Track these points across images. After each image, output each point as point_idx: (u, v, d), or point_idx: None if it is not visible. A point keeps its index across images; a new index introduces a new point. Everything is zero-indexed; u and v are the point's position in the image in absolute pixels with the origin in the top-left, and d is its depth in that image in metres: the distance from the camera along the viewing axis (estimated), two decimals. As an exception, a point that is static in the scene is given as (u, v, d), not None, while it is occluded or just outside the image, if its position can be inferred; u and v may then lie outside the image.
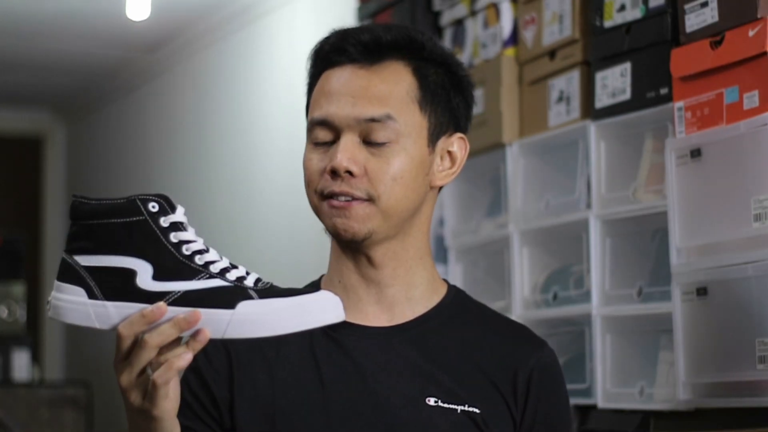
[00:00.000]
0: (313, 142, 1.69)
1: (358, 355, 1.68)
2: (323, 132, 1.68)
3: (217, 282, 1.48)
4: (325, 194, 1.66)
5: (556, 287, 2.79)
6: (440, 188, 1.76)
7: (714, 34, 2.29)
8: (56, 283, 1.51)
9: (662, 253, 2.46)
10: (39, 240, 7.47)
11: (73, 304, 1.49)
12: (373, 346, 1.69)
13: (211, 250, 1.51)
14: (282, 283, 1.90)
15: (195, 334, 1.45)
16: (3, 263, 5.79)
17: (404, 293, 1.72)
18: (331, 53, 1.71)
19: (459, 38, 3.14)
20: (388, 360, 1.68)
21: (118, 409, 6.79)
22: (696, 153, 2.32)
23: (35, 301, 7.23)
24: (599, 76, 2.63)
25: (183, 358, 1.45)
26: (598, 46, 2.64)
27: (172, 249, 1.48)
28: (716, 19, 2.29)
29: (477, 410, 1.66)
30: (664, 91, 2.45)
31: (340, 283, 1.73)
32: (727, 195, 2.25)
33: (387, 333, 1.70)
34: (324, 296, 1.51)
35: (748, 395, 2.21)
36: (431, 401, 1.66)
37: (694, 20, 2.34)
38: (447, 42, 3.17)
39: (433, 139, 1.71)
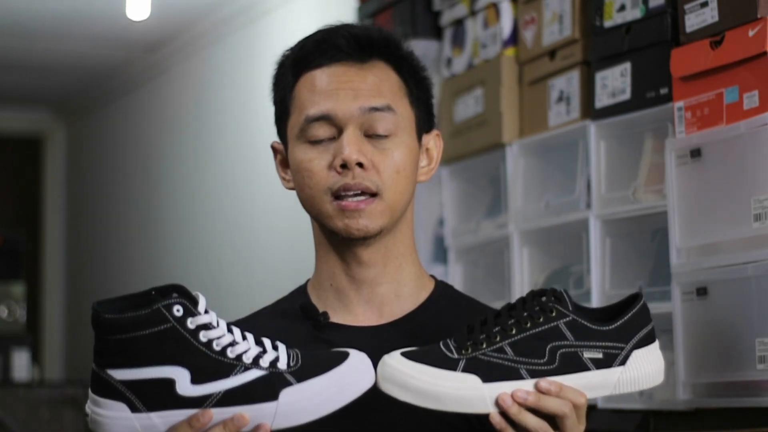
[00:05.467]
0: (309, 141, 1.69)
1: None
2: (322, 128, 1.68)
3: (253, 373, 1.49)
4: (335, 190, 1.66)
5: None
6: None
7: (714, 34, 2.29)
8: (92, 396, 1.50)
9: (662, 253, 2.46)
10: (39, 240, 7.47)
11: (116, 419, 1.49)
12: (362, 346, 1.68)
13: (236, 337, 1.50)
14: (281, 287, 1.91)
15: (255, 430, 1.48)
16: (3, 263, 5.79)
17: (393, 291, 1.73)
18: (315, 52, 1.71)
19: (459, 38, 3.14)
20: (377, 359, 1.68)
21: (118, 409, 6.70)
22: (696, 153, 2.32)
23: (35, 301, 7.23)
24: (599, 76, 2.62)
25: None
26: (598, 46, 2.64)
27: (204, 349, 1.48)
28: (716, 19, 2.29)
29: None
30: (664, 91, 2.45)
31: (332, 287, 1.73)
32: (727, 195, 2.24)
33: (376, 332, 1.70)
34: (355, 362, 1.52)
35: (748, 395, 2.21)
36: None
37: (694, 20, 2.34)
38: (447, 42, 3.17)
39: (419, 134, 1.74)
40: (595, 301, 2.64)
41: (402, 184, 1.69)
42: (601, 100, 2.62)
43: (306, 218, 1.76)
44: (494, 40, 2.99)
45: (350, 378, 1.51)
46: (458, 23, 3.14)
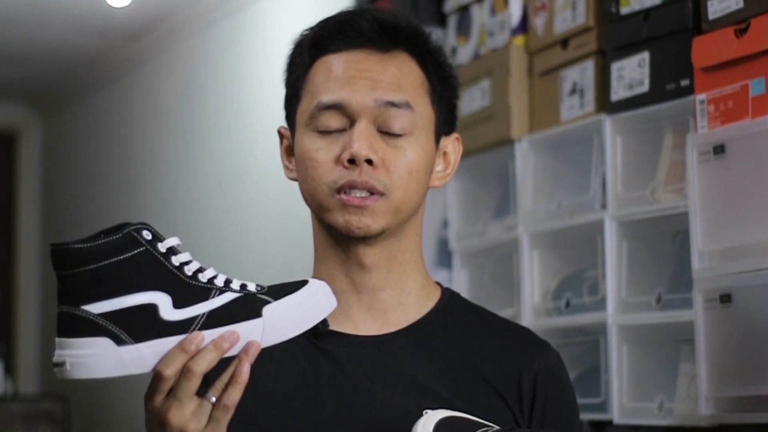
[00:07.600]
0: (318, 130, 1.69)
1: (348, 367, 1.68)
2: (334, 118, 1.68)
3: (229, 295, 1.54)
4: (339, 185, 1.66)
5: (568, 294, 2.79)
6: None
7: (739, 22, 2.30)
8: (65, 340, 1.50)
9: (683, 258, 2.46)
10: (12, 244, 7.47)
11: (101, 356, 1.50)
12: (364, 357, 1.69)
13: (201, 264, 1.55)
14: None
15: (245, 348, 1.52)
16: (-27, 269, 5.80)
17: (397, 298, 1.73)
18: (335, 34, 1.71)
19: (464, 26, 3.14)
20: (381, 371, 1.68)
21: (96, 424, 6.77)
22: (719, 149, 2.32)
23: (8, 310, 7.23)
24: (615, 67, 2.63)
25: (244, 373, 1.51)
26: (614, 34, 2.64)
27: (179, 273, 1.52)
28: (741, 5, 2.29)
29: None
30: (685, 82, 2.45)
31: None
32: (753, 194, 2.25)
33: (379, 342, 1.70)
34: (317, 285, 1.59)
35: (775, 410, 2.21)
36: None
37: (718, 6, 2.34)
38: (451, 30, 3.18)
39: (438, 136, 1.73)
40: (611, 309, 2.64)
41: (412, 186, 1.69)
42: (618, 93, 2.62)
43: (303, 218, 1.76)
44: (502, 27, 2.99)
45: (321, 294, 1.58)
46: (463, 9, 3.15)
